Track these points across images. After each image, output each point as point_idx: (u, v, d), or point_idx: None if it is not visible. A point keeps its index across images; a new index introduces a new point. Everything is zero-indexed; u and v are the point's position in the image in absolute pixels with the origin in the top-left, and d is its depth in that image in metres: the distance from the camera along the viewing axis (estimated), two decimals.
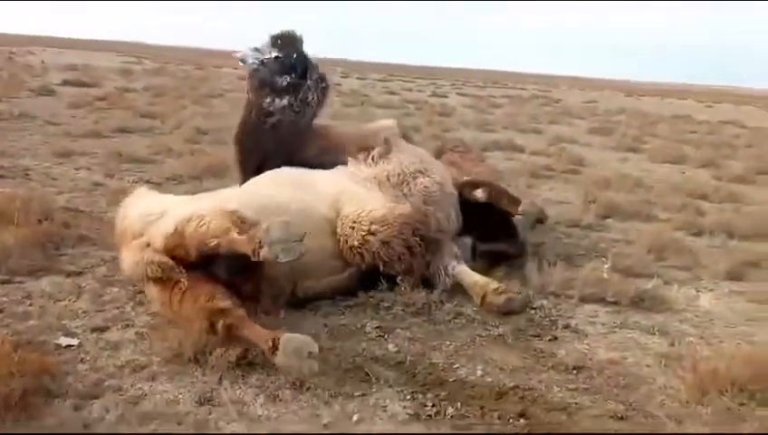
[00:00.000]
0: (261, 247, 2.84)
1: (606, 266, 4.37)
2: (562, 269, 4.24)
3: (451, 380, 2.85)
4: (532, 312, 3.70)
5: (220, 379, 2.69)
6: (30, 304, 3.28)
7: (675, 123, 19.87)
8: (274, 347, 2.73)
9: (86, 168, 6.66)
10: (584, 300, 3.91)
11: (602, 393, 2.82)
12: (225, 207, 3.15)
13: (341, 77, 36.02)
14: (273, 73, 4.50)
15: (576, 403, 2.71)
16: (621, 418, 2.62)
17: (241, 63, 4.57)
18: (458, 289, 3.80)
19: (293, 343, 2.73)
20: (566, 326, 3.54)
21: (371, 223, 3.71)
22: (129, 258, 3.24)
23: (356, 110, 15.50)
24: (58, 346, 2.87)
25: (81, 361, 2.77)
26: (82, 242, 4.25)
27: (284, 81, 4.50)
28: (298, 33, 4.68)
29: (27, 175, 6.13)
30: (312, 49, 4.72)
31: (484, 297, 3.67)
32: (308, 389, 2.66)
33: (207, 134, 9.30)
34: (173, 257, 3.09)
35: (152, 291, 3.17)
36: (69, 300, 3.38)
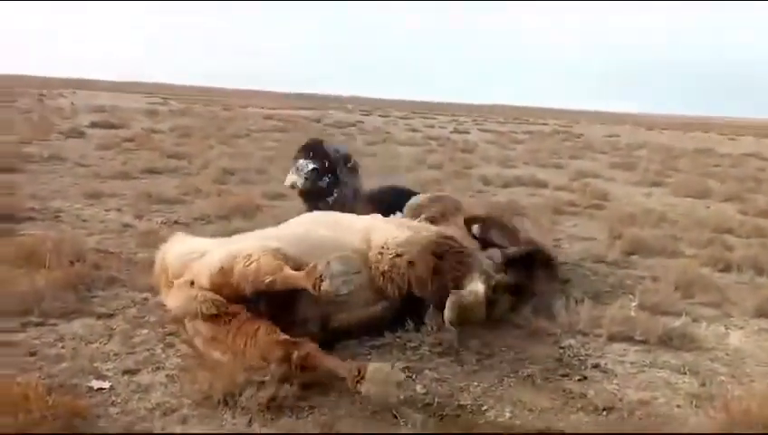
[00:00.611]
0: (322, 281, 2.96)
1: (633, 304, 4.36)
2: (590, 307, 4.24)
3: (480, 422, 2.84)
4: (561, 351, 3.68)
5: (250, 421, 2.70)
6: (62, 347, 3.33)
7: (697, 157, 19.75)
8: (360, 376, 2.81)
9: (116, 209, 6.77)
10: (612, 338, 3.88)
11: None
12: (268, 245, 3.28)
13: (363, 115, 36.45)
14: (314, 182, 5.58)
15: None
16: None
17: (293, 188, 5.69)
18: (486, 325, 3.80)
19: (382, 372, 2.84)
20: (595, 366, 3.51)
21: (398, 246, 3.79)
22: (176, 297, 3.36)
23: (379, 147, 15.64)
24: (90, 389, 2.90)
25: (113, 404, 2.80)
26: (113, 284, 4.32)
27: (325, 183, 5.61)
28: (320, 140, 5.98)
29: (58, 217, 6.24)
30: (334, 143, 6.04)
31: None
32: (337, 432, 2.67)
33: (234, 174, 9.42)
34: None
35: (202, 328, 3.22)
36: (100, 342, 3.43)
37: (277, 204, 7.13)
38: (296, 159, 5.67)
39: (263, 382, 2.84)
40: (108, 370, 3.12)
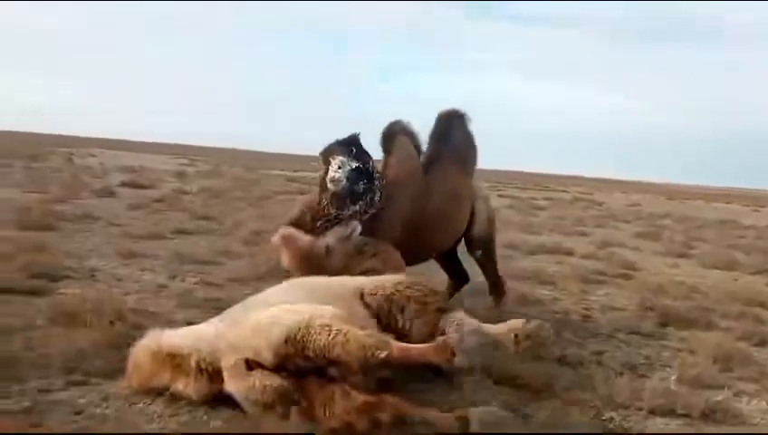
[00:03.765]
0: (454, 356, 3.03)
1: (673, 377, 4.32)
2: (629, 379, 4.23)
3: None
4: (603, 423, 3.66)
5: None
6: (107, 407, 3.35)
7: (721, 228, 19.67)
8: (464, 424, 2.87)
9: (150, 269, 6.85)
10: (653, 412, 3.84)
11: None
12: (330, 310, 3.24)
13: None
14: (353, 184, 4.97)
15: None
16: None
17: (333, 186, 4.94)
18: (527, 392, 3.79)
19: (488, 415, 2.96)
20: None
21: (388, 287, 4.03)
22: (234, 383, 3.24)
23: None
24: None
25: None
26: None
27: (360, 187, 5.00)
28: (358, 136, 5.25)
29: (93, 276, 6.33)
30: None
31: (517, 336, 4.05)
32: None
33: (263, 235, 9.50)
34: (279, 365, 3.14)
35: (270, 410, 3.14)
36: (144, 403, 3.44)
37: None
38: (333, 153, 5.03)
39: None
40: (152, 430, 3.14)
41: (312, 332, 3.06)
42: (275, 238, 5.10)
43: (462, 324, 3.94)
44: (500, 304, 5.95)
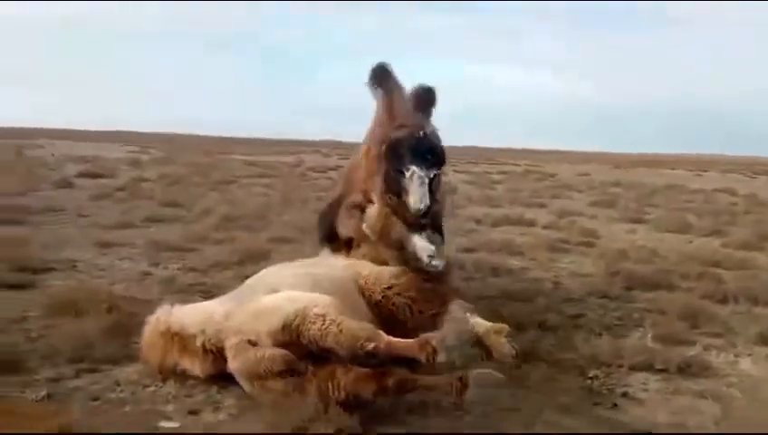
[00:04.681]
0: (436, 354, 3.12)
1: (649, 335, 4.62)
2: (607, 340, 4.53)
3: None
4: (588, 381, 3.92)
5: None
6: (121, 391, 3.48)
7: (671, 193, 20.31)
8: (463, 386, 3.09)
9: (128, 258, 6.89)
10: (634, 368, 4.12)
11: None
12: (325, 299, 3.37)
13: (341, 159, 36.77)
14: (432, 201, 4.09)
15: None
16: None
17: (418, 205, 3.99)
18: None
19: (485, 376, 3.20)
20: (624, 394, 3.75)
21: (389, 278, 4.10)
22: (238, 360, 3.34)
23: None
24: (160, 429, 3.06)
25: None
26: None
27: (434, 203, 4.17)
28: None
29: (75, 267, 6.35)
30: None
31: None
32: None
33: (235, 221, 9.56)
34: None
35: (274, 386, 3.24)
36: (156, 386, 3.56)
37: (285, 248, 7.28)
38: (408, 161, 4.08)
39: (328, 416, 3.01)
40: (171, 411, 3.27)
41: (308, 320, 3.20)
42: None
43: (450, 321, 4.12)
44: None
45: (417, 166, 4.02)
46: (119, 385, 3.56)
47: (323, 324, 3.19)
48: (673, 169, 44.15)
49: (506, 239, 8.95)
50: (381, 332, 3.25)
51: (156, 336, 3.66)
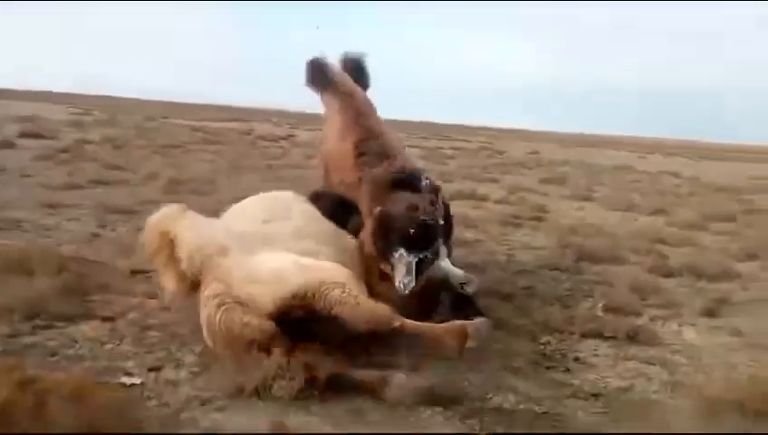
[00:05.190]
0: (467, 344, 3.31)
1: (600, 305, 4.78)
2: (559, 308, 4.68)
3: (489, 407, 3.12)
4: (542, 347, 4.04)
5: (285, 409, 2.89)
6: (80, 348, 3.42)
7: (618, 173, 20.84)
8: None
9: (76, 219, 6.72)
10: (585, 335, 4.26)
11: (622, 416, 3.14)
12: (344, 272, 3.36)
13: (292, 128, 36.48)
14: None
15: (602, 426, 3.03)
16: None
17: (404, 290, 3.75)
18: None
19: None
20: (575, 359, 3.88)
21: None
22: (220, 320, 3.22)
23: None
24: (122, 385, 3.03)
25: (149, 397, 2.94)
26: (104, 290, 4.35)
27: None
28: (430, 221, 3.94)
29: (20, 226, 6.16)
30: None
31: None
32: (366, 415, 2.90)
33: (184, 184, 9.40)
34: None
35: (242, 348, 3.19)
36: (114, 343, 3.52)
37: None
38: (388, 240, 3.89)
39: (292, 376, 3.02)
40: (131, 367, 3.24)
41: (325, 286, 3.19)
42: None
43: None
44: None
45: (406, 251, 3.80)
46: (76, 342, 3.50)
47: (342, 292, 3.20)
48: (617, 150, 45.23)
49: (460, 213, 8.99)
50: (399, 316, 3.28)
51: (155, 234, 3.61)
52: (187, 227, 3.56)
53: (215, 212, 6.81)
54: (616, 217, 10.64)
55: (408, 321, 3.28)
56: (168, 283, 3.60)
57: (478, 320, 3.46)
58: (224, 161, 13.89)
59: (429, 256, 3.89)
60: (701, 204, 12.38)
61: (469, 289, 3.99)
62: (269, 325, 3.15)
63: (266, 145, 20.80)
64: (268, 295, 3.20)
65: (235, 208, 4.32)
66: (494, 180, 14.97)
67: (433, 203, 4.02)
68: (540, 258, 6.60)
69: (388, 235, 3.88)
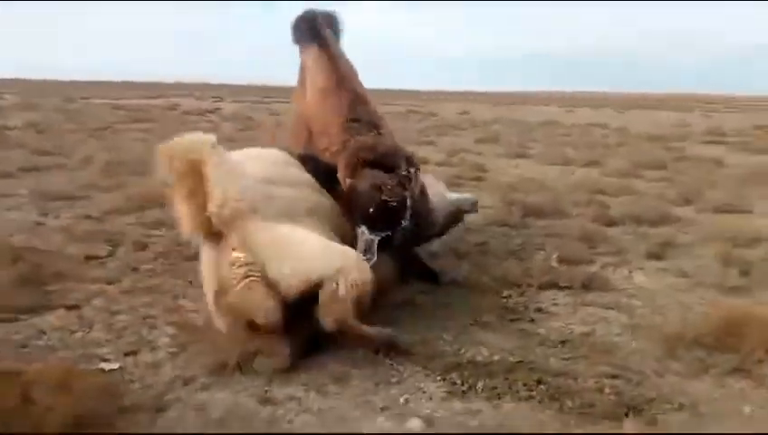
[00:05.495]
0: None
1: (554, 256, 4.96)
2: (516, 262, 4.83)
3: (465, 361, 3.24)
4: (504, 300, 4.18)
5: (269, 382, 2.93)
6: (49, 339, 3.36)
7: (548, 128, 21.32)
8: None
9: (16, 208, 6.51)
10: (542, 287, 4.42)
11: (590, 359, 3.29)
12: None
13: (216, 101, 35.77)
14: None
15: (574, 369, 3.18)
16: (615, 376, 3.10)
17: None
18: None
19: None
20: (537, 310, 4.02)
21: None
22: (234, 295, 3.10)
23: (251, 133, 15.53)
24: (101, 371, 3.01)
25: (131, 381, 2.93)
26: (61, 279, 4.27)
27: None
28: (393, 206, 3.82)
29: None
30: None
31: None
32: (351, 380, 2.98)
33: (121, 166, 9.15)
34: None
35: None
36: (84, 331, 3.48)
37: None
38: (353, 214, 3.85)
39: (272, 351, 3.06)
40: (107, 354, 3.21)
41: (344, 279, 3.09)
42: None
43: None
44: None
45: (367, 229, 3.72)
46: (44, 333, 3.44)
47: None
48: (547, 105, 46.12)
49: None
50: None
51: (184, 157, 3.08)
52: (218, 165, 3.09)
53: (159, 196, 6.76)
54: (554, 171, 10.91)
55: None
56: (186, 221, 3.15)
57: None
58: (156, 139, 13.46)
59: (392, 234, 3.80)
60: (632, 153, 12.82)
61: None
62: (279, 309, 3.07)
63: (195, 120, 20.37)
64: (297, 278, 3.05)
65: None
66: (431, 143, 15.10)
67: (403, 184, 3.87)
68: (488, 217, 6.74)
69: (353, 211, 3.85)
